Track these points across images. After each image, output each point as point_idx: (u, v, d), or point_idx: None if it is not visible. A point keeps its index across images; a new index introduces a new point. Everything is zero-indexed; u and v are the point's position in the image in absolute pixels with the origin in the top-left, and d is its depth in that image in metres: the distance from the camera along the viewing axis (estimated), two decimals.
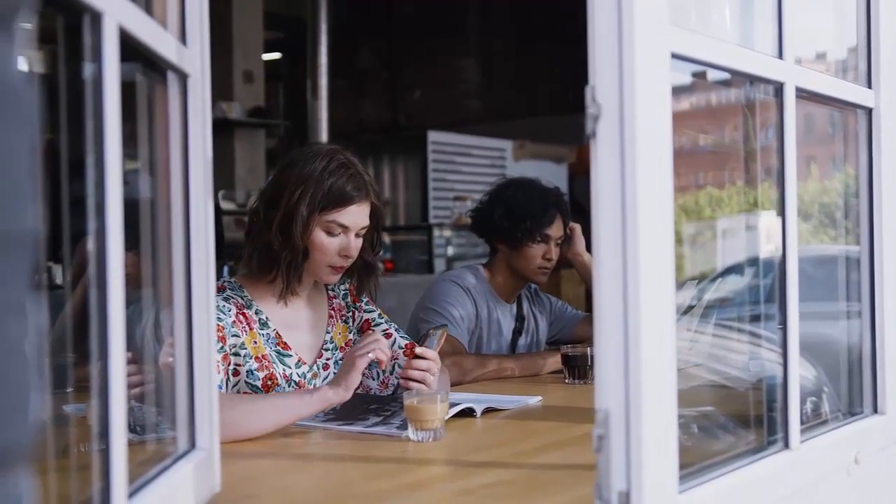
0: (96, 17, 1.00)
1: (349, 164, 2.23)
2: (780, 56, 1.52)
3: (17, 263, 0.58)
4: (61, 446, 1.28)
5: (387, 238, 7.80)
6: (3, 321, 0.56)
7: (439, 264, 7.46)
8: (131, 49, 1.12)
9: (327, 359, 2.34)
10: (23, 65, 0.60)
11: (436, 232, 7.59)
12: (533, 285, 3.21)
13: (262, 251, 2.21)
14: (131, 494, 1.09)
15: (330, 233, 2.20)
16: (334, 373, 2.30)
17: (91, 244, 1.02)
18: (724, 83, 1.70)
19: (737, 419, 1.73)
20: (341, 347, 2.37)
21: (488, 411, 2.19)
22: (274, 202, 2.20)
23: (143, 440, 1.44)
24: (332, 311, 2.40)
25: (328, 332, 2.36)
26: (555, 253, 3.04)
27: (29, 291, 0.59)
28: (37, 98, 0.60)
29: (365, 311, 2.44)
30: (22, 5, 0.59)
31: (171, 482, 1.25)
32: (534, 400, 2.36)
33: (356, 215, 2.21)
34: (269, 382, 2.18)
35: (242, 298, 2.23)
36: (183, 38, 1.36)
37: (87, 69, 1.02)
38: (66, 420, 1.49)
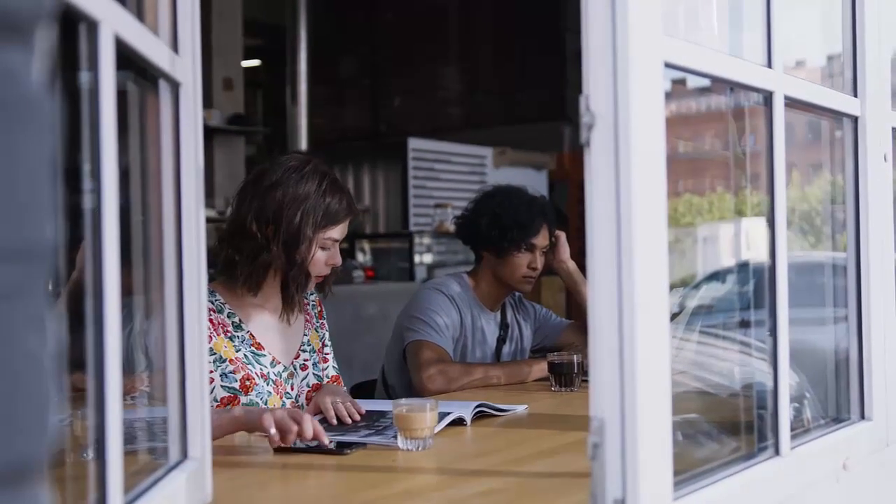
0: (93, 26, 0.99)
1: (337, 181, 2.33)
2: (769, 65, 1.53)
3: (37, 275, 0.57)
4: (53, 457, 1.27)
5: (367, 245, 7.79)
6: (23, 333, 0.56)
7: (420, 272, 7.45)
8: (124, 57, 1.11)
9: (305, 360, 2.41)
10: (42, 75, 0.59)
11: (416, 239, 7.57)
12: (517, 293, 3.21)
13: (263, 269, 2.26)
14: None
15: (323, 248, 2.30)
16: (313, 373, 2.40)
17: (86, 252, 1.02)
18: (703, 90, 1.71)
19: (723, 426, 1.74)
20: (318, 350, 2.45)
21: (479, 417, 2.19)
22: (271, 221, 2.24)
23: (133, 450, 1.44)
24: (308, 316, 2.47)
25: (305, 335, 2.44)
26: (540, 262, 3.04)
27: (47, 303, 0.59)
28: (55, 108, 0.60)
29: (325, 329, 2.54)
30: (41, 17, 0.59)
31: (164, 493, 1.24)
32: (521, 408, 2.36)
33: (345, 228, 2.34)
34: (248, 383, 2.24)
35: (213, 303, 2.27)
36: (175, 46, 1.35)
37: (83, 77, 1.02)
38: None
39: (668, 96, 1.52)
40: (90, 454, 1.13)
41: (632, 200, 1.16)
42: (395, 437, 1.90)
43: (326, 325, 2.55)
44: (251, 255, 2.25)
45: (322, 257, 2.30)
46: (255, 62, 10.06)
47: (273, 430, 1.82)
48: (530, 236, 3.01)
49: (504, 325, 3.17)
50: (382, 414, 2.20)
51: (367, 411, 2.22)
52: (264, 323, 2.34)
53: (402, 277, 7.41)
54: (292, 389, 2.35)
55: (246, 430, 1.97)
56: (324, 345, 2.51)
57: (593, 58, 1.18)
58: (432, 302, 2.97)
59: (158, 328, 1.39)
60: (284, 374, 2.33)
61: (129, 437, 1.40)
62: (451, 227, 3.27)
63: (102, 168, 1.01)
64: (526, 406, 2.38)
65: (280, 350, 2.35)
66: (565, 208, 7.44)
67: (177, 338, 1.37)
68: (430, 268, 7.49)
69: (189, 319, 1.38)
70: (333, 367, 2.52)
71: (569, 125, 8.75)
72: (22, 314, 0.56)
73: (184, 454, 1.37)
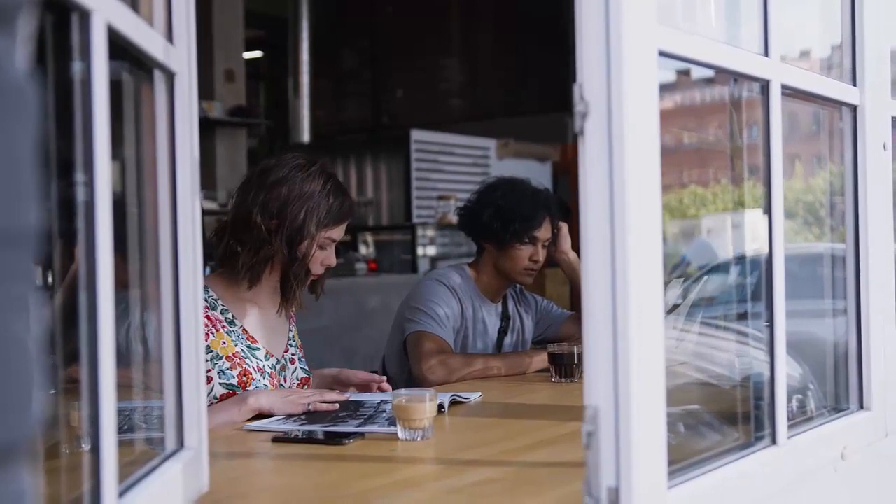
0: (85, 15, 0.99)
1: (340, 184, 2.38)
2: (766, 54, 1.53)
3: (21, 259, 0.58)
4: (45, 447, 1.27)
5: (370, 238, 7.79)
6: (7, 316, 0.56)
7: (423, 264, 7.46)
8: (118, 47, 1.11)
9: (292, 354, 2.46)
10: (24, 62, 0.59)
11: (419, 231, 7.57)
12: (519, 284, 3.21)
13: (264, 262, 2.29)
14: (121, 494, 1.09)
15: (321, 247, 2.33)
16: (301, 367, 2.46)
17: (80, 245, 1.02)
18: (708, 81, 1.71)
19: (724, 416, 1.74)
20: (300, 346, 2.50)
21: (478, 408, 2.21)
22: (275, 216, 2.27)
23: (131, 439, 1.44)
24: (291, 314, 2.51)
25: (290, 330, 2.48)
26: (542, 255, 3.04)
27: (32, 287, 0.59)
28: (38, 96, 0.61)
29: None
30: (23, 4, 0.59)
31: (160, 482, 1.24)
32: (474, 396, 2.38)
33: (343, 230, 2.38)
34: (245, 378, 2.27)
35: (206, 300, 2.29)
36: (170, 36, 1.35)
37: (75, 67, 1.02)
38: (49, 421, 1.48)
39: (673, 87, 1.52)
40: (88, 444, 1.13)
41: (625, 189, 1.16)
42: (389, 424, 1.91)
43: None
44: (254, 247, 2.27)
45: (319, 256, 2.33)
46: (257, 54, 10.05)
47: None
48: (533, 229, 3.00)
49: (506, 317, 3.17)
50: (360, 403, 2.21)
51: (347, 401, 2.24)
52: (255, 318, 2.38)
53: (405, 270, 7.41)
54: (285, 381, 2.38)
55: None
56: (301, 344, 2.55)
57: (587, 46, 1.18)
58: (433, 293, 2.97)
59: (155, 319, 1.39)
60: (277, 367, 2.37)
61: (129, 427, 1.41)
62: (454, 219, 3.27)
63: (95, 159, 1.01)
64: (480, 393, 2.40)
65: (271, 344, 2.39)
66: (569, 200, 7.43)
67: (173, 328, 1.37)
68: (433, 260, 7.50)
69: (185, 309, 1.38)
70: (303, 368, 2.52)
71: (572, 116, 8.74)
72: (5, 298, 0.57)
73: (180, 443, 1.38)
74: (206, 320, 2.24)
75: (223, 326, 2.28)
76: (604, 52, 1.17)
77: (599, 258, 1.17)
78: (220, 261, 2.34)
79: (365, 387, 2.45)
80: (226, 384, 2.23)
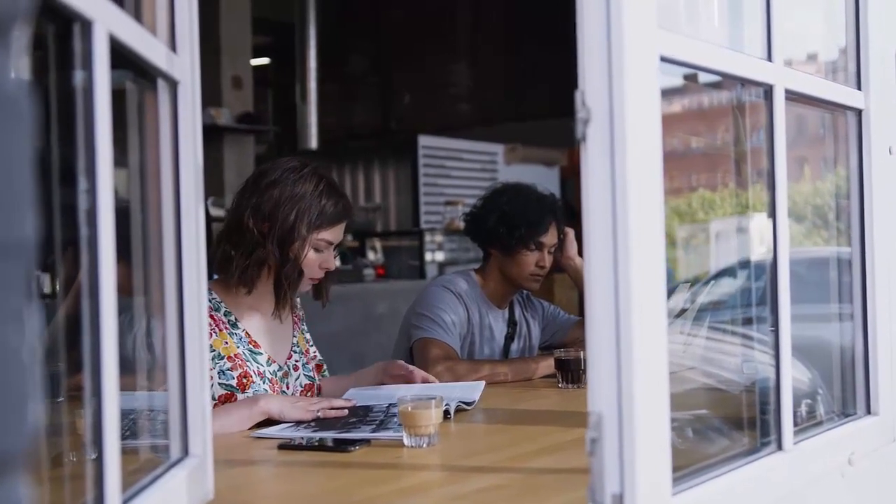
0: (87, 25, 1.00)
1: (334, 185, 2.37)
2: (769, 58, 1.52)
3: (16, 271, 0.58)
4: (52, 455, 1.28)
5: (378, 243, 7.79)
6: (1, 328, 0.56)
7: (431, 270, 7.45)
8: (121, 56, 1.11)
9: (296, 360, 2.46)
10: (20, 73, 0.60)
11: (427, 237, 7.57)
12: (525, 290, 3.21)
13: (257, 265, 2.29)
14: (125, 502, 1.09)
15: (317, 249, 2.33)
16: (304, 374, 2.45)
17: (83, 253, 1.02)
18: (715, 85, 1.71)
19: (730, 421, 1.73)
20: (304, 353, 2.49)
21: (459, 411, 2.23)
22: (266, 218, 2.28)
23: (135, 447, 1.44)
24: (296, 319, 2.51)
25: (294, 337, 2.48)
26: (548, 260, 3.04)
27: (27, 299, 0.59)
28: (33, 106, 0.61)
29: (307, 332, 2.57)
30: (19, 14, 0.59)
31: (165, 490, 1.24)
32: (479, 387, 2.41)
33: (341, 232, 2.37)
34: (245, 380, 2.27)
35: (210, 301, 2.29)
36: (173, 45, 1.35)
37: (77, 76, 1.02)
38: (56, 429, 1.48)
39: (681, 91, 1.52)
40: (94, 453, 1.14)
41: (627, 195, 1.15)
42: (397, 430, 1.91)
43: (306, 327, 2.58)
44: (247, 250, 2.28)
45: (315, 259, 2.32)
46: (265, 60, 10.05)
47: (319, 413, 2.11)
48: (539, 235, 3.00)
49: (512, 323, 3.17)
50: (369, 409, 2.21)
51: (355, 407, 2.23)
52: (258, 323, 2.38)
53: (413, 275, 7.41)
54: (287, 388, 2.38)
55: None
56: (310, 345, 2.55)
57: (588, 53, 1.18)
58: (440, 299, 2.97)
59: (160, 327, 1.40)
60: (279, 374, 2.37)
61: (132, 433, 1.41)
62: (462, 225, 3.27)
63: (97, 168, 1.01)
64: (483, 382, 2.44)
65: (274, 350, 2.39)
66: (577, 205, 7.43)
67: (177, 335, 1.37)
68: (441, 265, 7.49)
69: (189, 317, 1.38)
70: (306, 374, 2.52)
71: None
72: (1, 309, 0.57)
73: (185, 451, 1.38)
74: (209, 320, 2.24)
75: (226, 327, 2.29)
76: (605, 57, 1.17)
77: (602, 264, 1.17)
78: (218, 266, 2.34)
79: (407, 378, 2.46)
80: (225, 384, 2.23)
